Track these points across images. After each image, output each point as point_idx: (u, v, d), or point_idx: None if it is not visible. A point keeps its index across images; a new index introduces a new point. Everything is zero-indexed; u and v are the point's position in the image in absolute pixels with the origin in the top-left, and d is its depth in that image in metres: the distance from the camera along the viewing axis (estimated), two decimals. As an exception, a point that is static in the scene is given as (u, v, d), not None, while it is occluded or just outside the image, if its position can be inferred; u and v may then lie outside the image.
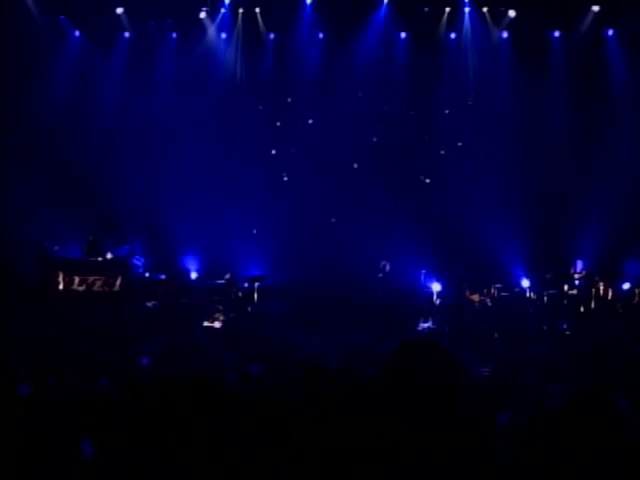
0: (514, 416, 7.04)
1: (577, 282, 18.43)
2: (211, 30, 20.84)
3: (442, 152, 20.59)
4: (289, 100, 20.95)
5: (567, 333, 16.68)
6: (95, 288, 18.24)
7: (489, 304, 18.01)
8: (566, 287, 18.30)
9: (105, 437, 4.91)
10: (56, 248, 18.72)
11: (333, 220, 20.55)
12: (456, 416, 3.43)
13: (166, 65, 20.92)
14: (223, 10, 20.60)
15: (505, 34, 20.53)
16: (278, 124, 21.03)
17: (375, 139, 21.15)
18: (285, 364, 9.85)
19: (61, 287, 18.18)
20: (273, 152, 20.92)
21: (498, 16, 20.31)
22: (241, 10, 20.62)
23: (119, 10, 20.36)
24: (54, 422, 4.91)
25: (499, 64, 20.53)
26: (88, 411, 5.95)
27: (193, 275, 20.16)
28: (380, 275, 19.42)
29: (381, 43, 20.50)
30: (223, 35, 21.05)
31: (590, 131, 19.99)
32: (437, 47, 20.54)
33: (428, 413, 3.36)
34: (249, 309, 18.40)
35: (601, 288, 17.89)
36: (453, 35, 20.63)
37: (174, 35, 20.94)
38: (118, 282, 18.25)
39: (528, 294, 18.48)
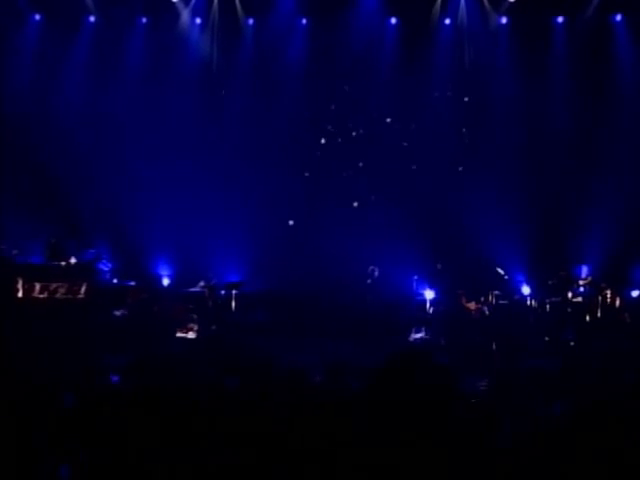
0: (513, 433, 7.11)
1: (582, 289, 18.53)
2: (184, 14, 20.88)
3: (433, 150, 20.61)
4: (268, 91, 20.97)
5: (571, 344, 16.82)
6: (58, 295, 18.19)
7: (487, 313, 18.10)
8: (570, 294, 18.39)
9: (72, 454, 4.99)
10: (15, 252, 18.66)
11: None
12: (448, 434, 3.49)
13: (135, 53, 20.88)
14: (198, -8, 20.69)
15: (504, 19, 20.66)
16: (257, 117, 21.00)
17: (361, 131, 21.19)
18: (266, 378, 9.89)
19: (20, 294, 18.13)
20: (252, 149, 20.93)
21: (497, 0, 20.44)
22: (217, -7, 20.74)
23: (84, -9, 20.40)
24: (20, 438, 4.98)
25: (498, 52, 20.64)
26: (53, 427, 6.00)
27: (165, 282, 20.18)
28: (369, 281, 19.49)
29: (369, 29, 20.57)
30: (198, 20, 21.08)
31: (596, 125, 20.07)
32: (430, 34, 20.63)
33: (418, 431, 3.42)
34: (226, 318, 18.44)
35: (608, 295, 17.98)
36: (448, 21, 20.73)
37: (144, 20, 20.95)
38: (83, 289, 18.22)
39: (529, 302, 18.58)
